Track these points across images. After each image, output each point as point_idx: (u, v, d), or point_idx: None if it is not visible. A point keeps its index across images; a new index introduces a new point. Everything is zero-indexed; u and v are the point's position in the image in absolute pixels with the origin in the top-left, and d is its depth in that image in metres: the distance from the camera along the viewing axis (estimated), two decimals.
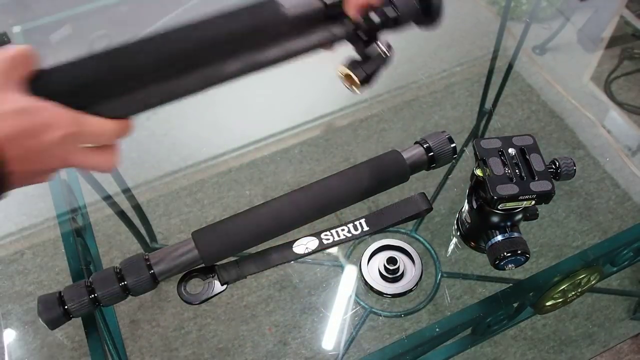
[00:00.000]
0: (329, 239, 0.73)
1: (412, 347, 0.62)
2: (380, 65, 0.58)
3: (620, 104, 1.17)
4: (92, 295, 0.55)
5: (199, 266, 0.60)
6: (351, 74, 0.58)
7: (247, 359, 0.87)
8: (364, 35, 0.59)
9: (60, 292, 0.55)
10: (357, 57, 0.59)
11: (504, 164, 0.61)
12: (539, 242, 0.86)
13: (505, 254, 0.63)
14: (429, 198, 0.77)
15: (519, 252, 0.63)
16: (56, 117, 0.39)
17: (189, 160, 1.10)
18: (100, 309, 0.64)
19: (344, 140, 0.99)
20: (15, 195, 0.41)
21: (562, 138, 1.05)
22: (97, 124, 0.43)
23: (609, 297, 1.04)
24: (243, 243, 0.60)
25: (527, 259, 0.65)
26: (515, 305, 0.70)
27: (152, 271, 0.56)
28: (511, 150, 0.62)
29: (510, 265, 0.65)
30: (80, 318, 0.59)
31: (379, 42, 0.58)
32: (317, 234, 0.74)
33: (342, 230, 0.74)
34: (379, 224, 0.75)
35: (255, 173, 1.00)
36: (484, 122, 0.97)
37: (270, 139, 1.00)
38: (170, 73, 0.50)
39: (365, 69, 0.57)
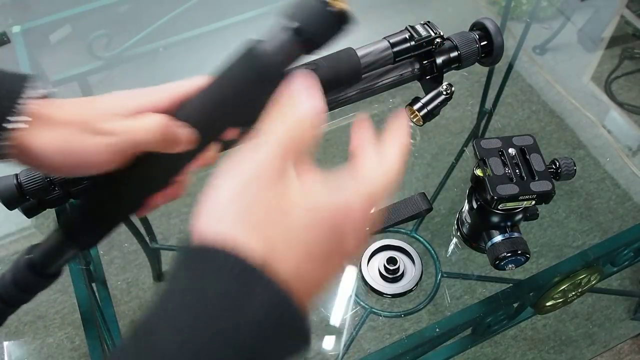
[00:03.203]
0: None
1: (412, 347, 0.62)
2: (441, 104, 0.64)
3: (621, 104, 1.17)
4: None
5: None
6: (416, 112, 0.65)
7: None
8: (429, 79, 0.66)
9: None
10: (421, 95, 0.66)
11: (504, 164, 0.61)
12: (539, 242, 0.86)
13: (505, 254, 0.63)
14: (429, 198, 0.77)
15: (519, 252, 0.63)
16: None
17: None
18: (100, 312, 0.64)
19: (344, 140, 0.99)
20: None
21: (562, 138, 1.05)
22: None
23: (609, 297, 1.04)
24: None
25: (527, 259, 0.65)
26: (515, 305, 0.70)
27: None
28: (511, 150, 0.62)
29: (510, 266, 0.65)
30: (81, 321, 0.59)
31: (443, 85, 0.64)
32: None
33: None
34: (379, 224, 0.75)
35: None
36: (484, 122, 0.97)
37: None
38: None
39: (428, 107, 0.64)
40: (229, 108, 0.37)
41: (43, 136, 0.34)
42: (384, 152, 0.31)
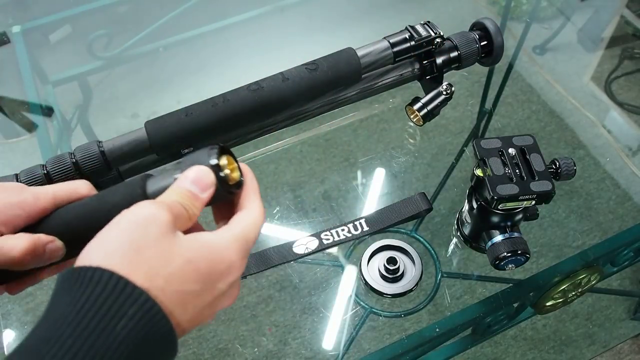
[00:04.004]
0: (329, 239, 0.73)
1: (412, 347, 0.62)
2: (441, 104, 0.64)
3: (621, 104, 1.17)
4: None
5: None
6: (416, 112, 0.65)
7: (247, 359, 0.87)
8: (429, 79, 0.65)
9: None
10: (421, 95, 0.66)
11: (504, 164, 0.61)
12: (539, 242, 0.86)
13: (505, 254, 0.63)
14: (429, 198, 0.77)
15: (519, 252, 0.63)
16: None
17: None
18: None
19: (344, 140, 0.99)
20: None
21: (562, 138, 1.05)
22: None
23: (609, 297, 1.04)
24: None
25: (527, 259, 0.65)
26: (515, 305, 0.70)
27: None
28: (511, 150, 0.62)
29: (510, 265, 0.65)
30: None
31: (443, 85, 0.65)
32: (317, 234, 0.74)
33: (342, 230, 0.74)
34: (379, 224, 0.75)
35: (255, 173, 1.00)
36: (484, 122, 0.97)
37: (270, 138, 1.00)
38: (266, 114, 0.60)
39: (428, 107, 0.65)
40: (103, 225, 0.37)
41: None
42: (243, 209, 0.37)
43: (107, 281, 0.28)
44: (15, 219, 0.38)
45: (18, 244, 0.36)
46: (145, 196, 0.37)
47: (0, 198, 0.38)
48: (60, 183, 0.41)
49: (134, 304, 0.28)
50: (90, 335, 0.26)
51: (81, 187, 0.41)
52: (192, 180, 0.35)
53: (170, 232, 0.32)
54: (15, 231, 0.38)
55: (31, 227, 0.39)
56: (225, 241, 0.34)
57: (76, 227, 0.38)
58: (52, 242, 0.38)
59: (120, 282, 0.28)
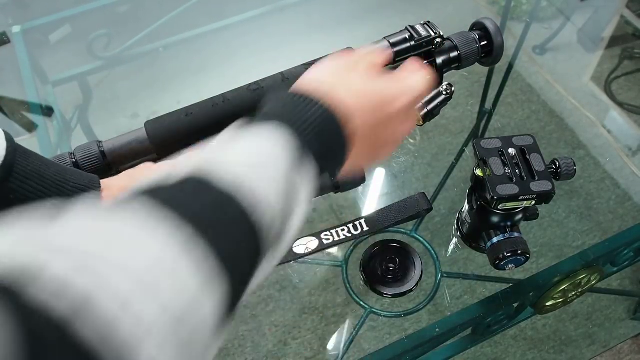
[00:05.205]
0: (329, 239, 0.73)
1: (412, 347, 0.62)
2: (441, 104, 0.63)
3: (621, 104, 1.17)
4: None
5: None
6: (416, 111, 0.64)
7: (247, 359, 0.87)
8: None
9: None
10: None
11: (504, 164, 0.61)
12: (539, 242, 0.86)
13: (505, 254, 0.63)
14: (429, 198, 0.77)
15: (519, 252, 0.63)
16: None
17: None
18: None
19: None
20: None
21: (562, 138, 1.05)
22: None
23: (609, 297, 1.04)
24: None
25: (527, 259, 0.65)
26: (515, 305, 0.70)
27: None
28: (511, 150, 0.62)
29: (510, 266, 0.65)
30: None
31: (443, 85, 0.64)
32: (317, 234, 0.74)
33: (342, 230, 0.74)
34: (379, 224, 0.75)
35: None
36: (484, 122, 0.97)
37: None
38: None
39: (428, 107, 0.64)
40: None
41: None
42: (410, 72, 0.48)
43: (316, 96, 0.40)
44: None
45: None
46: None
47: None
48: None
49: (325, 102, 0.39)
50: (296, 108, 0.39)
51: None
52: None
53: (357, 74, 0.44)
54: None
55: None
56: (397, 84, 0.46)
57: None
58: None
59: (324, 99, 0.40)
